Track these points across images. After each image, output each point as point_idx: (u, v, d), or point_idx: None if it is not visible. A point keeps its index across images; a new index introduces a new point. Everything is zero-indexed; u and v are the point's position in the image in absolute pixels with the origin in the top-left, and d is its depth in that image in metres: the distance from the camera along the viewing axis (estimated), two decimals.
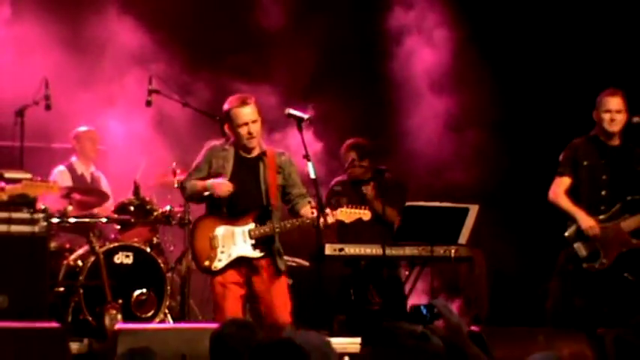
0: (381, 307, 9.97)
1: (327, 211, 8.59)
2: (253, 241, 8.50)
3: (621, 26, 11.47)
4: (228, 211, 8.57)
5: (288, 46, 11.89)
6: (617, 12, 11.51)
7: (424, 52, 12.23)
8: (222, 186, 8.44)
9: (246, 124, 8.49)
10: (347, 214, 8.70)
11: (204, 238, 8.57)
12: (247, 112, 8.53)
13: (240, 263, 8.50)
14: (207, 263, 8.52)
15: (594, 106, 8.91)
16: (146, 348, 4.96)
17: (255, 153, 8.68)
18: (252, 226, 8.54)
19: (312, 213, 8.55)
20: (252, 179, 8.66)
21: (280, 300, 8.56)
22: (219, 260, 8.52)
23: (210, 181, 8.48)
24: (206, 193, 8.53)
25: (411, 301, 10.02)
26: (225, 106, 8.64)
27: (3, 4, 11.32)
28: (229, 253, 8.50)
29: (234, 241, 8.54)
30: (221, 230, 8.57)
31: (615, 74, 10.27)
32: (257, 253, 8.53)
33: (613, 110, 8.80)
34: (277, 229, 8.59)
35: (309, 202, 8.64)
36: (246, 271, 8.51)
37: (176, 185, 10.10)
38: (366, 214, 8.72)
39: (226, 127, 8.70)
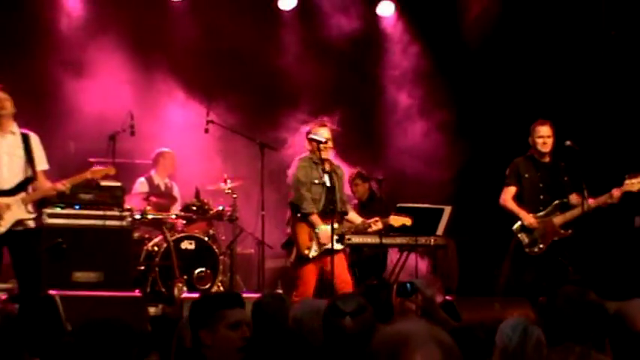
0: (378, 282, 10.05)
1: (377, 218, 8.79)
2: (336, 237, 8.55)
3: (552, 69, 11.47)
4: (319, 214, 8.65)
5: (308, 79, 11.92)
6: (548, 59, 11.52)
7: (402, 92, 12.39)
8: (326, 238, 8.53)
9: (325, 140, 8.66)
10: (396, 220, 8.81)
11: (306, 232, 8.64)
12: (324, 131, 8.73)
13: (326, 252, 8.58)
14: (306, 252, 8.60)
15: (529, 132, 9.00)
16: None
17: (329, 168, 8.76)
18: (336, 225, 8.58)
19: (367, 224, 8.80)
20: (332, 188, 8.77)
21: (345, 275, 8.69)
22: (315, 250, 8.61)
23: (321, 228, 8.56)
24: (316, 230, 8.59)
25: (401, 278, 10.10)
26: (308, 128, 8.83)
27: (98, 53, 11.37)
28: (321, 246, 8.59)
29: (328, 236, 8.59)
30: (320, 228, 8.63)
31: (545, 107, 10.28)
32: (339, 246, 8.63)
33: (544, 136, 8.89)
34: (349, 230, 8.80)
35: (350, 209, 8.97)
36: (326, 258, 8.59)
37: (226, 191, 10.26)
38: (407, 221, 8.83)
39: (307, 143, 8.79)
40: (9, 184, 7.90)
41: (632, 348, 3.15)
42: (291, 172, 8.85)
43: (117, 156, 10.14)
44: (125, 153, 10.54)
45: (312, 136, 8.89)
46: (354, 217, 8.99)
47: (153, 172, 10.73)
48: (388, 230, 9.17)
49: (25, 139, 8.00)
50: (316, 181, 8.71)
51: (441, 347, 2.12)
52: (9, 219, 7.83)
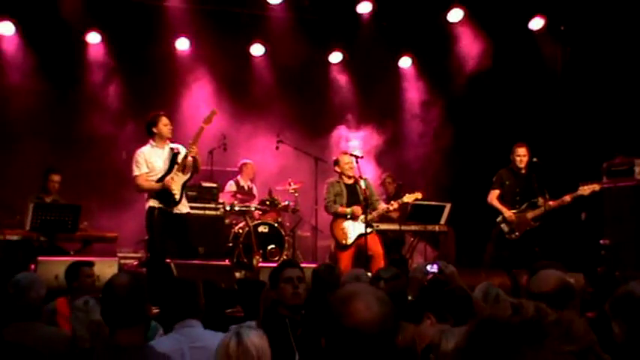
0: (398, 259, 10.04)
1: (392, 202, 8.78)
2: (364, 224, 8.54)
3: (527, 109, 11.40)
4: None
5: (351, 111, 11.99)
6: (525, 100, 11.44)
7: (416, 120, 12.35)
8: (359, 212, 8.60)
9: (348, 163, 8.71)
10: (409, 197, 8.76)
11: (340, 229, 8.71)
12: (349, 160, 8.72)
13: (359, 236, 8.58)
14: (344, 242, 8.66)
15: (511, 150, 8.97)
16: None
17: (351, 182, 8.75)
18: (362, 217, 8.58)
19: (386, 208, 8.73)
20: (355, 194, 8.75)
21: (378, 248, 8.64)
22: (350, 239, 8.64)
23: (350, 209, 8.61)
24: (348, 217, 8.63)
25: (415, 257, 10.09)
26: (336, 157, 8.90)
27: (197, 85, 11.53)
28: (354, 234, 8.60)
29: (356, 227, 8.63)
30: (348, 223, 8.71)
31: (523, 133, 10.18)
32: (368, 230, 8.55)
33: (521, 155, 8.81)
34: (372, 218, 8.71)
35: (380, 203, 8.85)
36: (360, 239, 8.58)
37: (290, 191, 10.25)
38: (419, 195, 8.79)
39: (337, 168, 8.78)
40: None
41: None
42: (323, 192, 8.97)
43: (213, 165, 10.28)
44: (219, 163, 10.64)
45: (352, 152, 9.01)
46: (382, 206, 8.89)
47: (239, 177, 10.77)
48: (404, 208, 9.09)
49: (171, 149, 7.89)
50: (341, 195, 8.73)
51: (377, 299, 2.16)
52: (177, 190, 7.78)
